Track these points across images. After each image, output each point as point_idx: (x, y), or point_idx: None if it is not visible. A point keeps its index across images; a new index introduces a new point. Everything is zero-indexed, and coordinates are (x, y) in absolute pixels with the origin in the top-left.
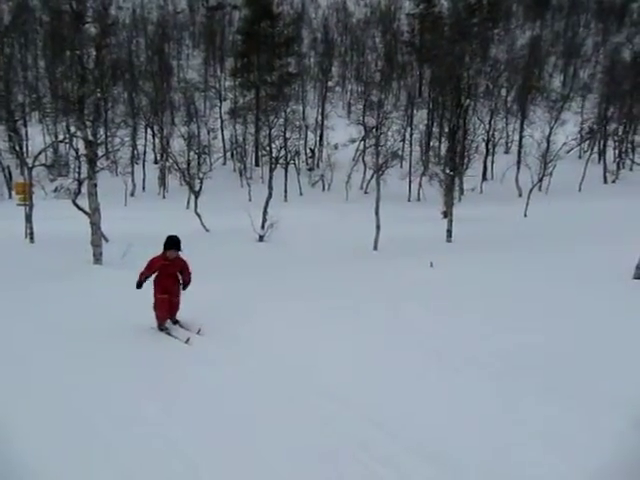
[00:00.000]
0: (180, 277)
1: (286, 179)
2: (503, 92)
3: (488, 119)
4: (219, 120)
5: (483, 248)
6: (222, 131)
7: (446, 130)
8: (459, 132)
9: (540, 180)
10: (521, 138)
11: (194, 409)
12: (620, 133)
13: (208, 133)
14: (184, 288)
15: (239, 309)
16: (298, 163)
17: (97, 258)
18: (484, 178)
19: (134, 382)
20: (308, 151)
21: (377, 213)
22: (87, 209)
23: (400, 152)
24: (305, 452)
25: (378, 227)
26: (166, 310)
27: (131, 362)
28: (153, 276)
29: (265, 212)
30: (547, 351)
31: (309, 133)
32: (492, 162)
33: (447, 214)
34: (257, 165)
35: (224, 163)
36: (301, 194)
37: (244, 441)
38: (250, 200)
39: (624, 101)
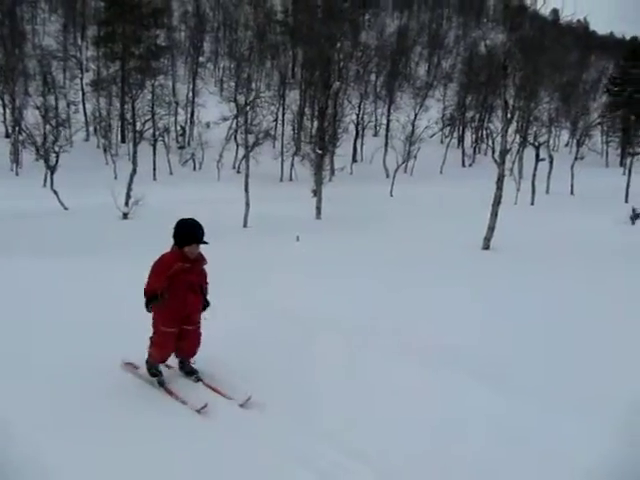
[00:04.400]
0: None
1: (155, 157)
2: (373, 77)
3: (358, 102)
4: (80, 92)
5: (350, 224)
6: (84, 104)
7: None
8: (328, 112)
9: (404, 162)
10: (388, 122)
11: None
12: (477, 121)
13: (68, 106)
14: (203, 308)
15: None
16: (168, 141)
17: None
18: (354, 160)
19: None
20: (178, 128)
21: (247, 190)
22: None
23: (272, 132)
24: None
25: (247, 204)
26: (170, 349)
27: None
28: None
29: (129, 188)
30: (401, 312)
31: (179, 110)
32: (362, 144)
33: (317, 192)
34: (123, 142)
35: (87, 139)
36: (171, 173)
37: None
38: (116, 178)
39: (480, 91)
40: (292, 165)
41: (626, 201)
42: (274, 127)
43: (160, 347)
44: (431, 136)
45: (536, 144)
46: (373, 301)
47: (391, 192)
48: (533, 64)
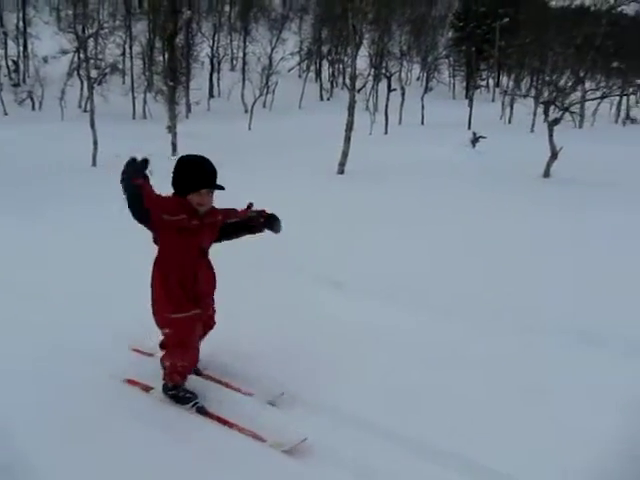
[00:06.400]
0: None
1: None
2: (227, 8)
3: (212, 34)
4: None
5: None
6: None
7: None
8: (179, 42)
9: (262, 94)
10: (245, 55)
11: None
12: (333, 54)
13: None
14: (269, 227)
15: None
16: None
17: None
18: (211, 95)
19: None
20: (10, 63)
21: (93, 127)
22: None
23: (120, 66)
24: None
25: (95, 142)
26: (196, 347)
27: None
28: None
29: None
30: None
31: (9, 42)
32: (218, 79)
33: (171, 128)
34: None
35: None
36: (6, 113)
37: None
38: None
39: (336, 24)
40: (145, 102)
41: (469, 128)
42: (122, 61)
43: (185, 346)
44: (289, 70)
45: (388, 74)
46: None
47: (249, 126)
48: None
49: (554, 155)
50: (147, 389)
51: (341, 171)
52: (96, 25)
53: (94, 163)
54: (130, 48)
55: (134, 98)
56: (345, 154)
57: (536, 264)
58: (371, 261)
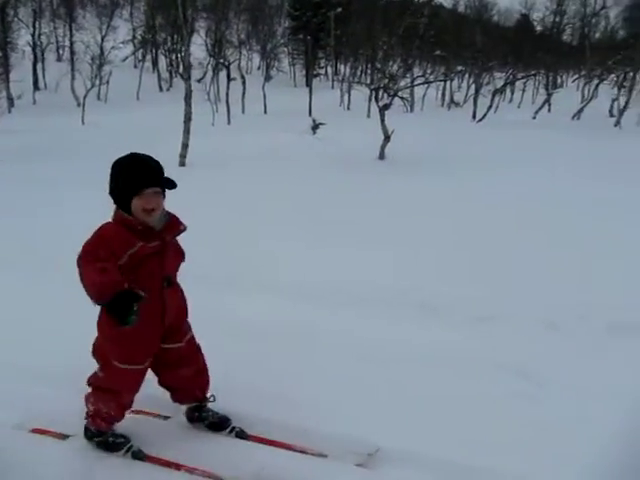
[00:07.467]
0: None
1: None
2: None
3: (32, 21)
4: None
5: (34, 155)
6: None
7: None
8: None
9: (93, 86)
10: (72, 44)
11: None
12: (170, 43)
13: None
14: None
15: None
16: None
17: None
18: (36, 88)
19: None
20: None
21: None
22: None
23: None
24: None
25: None
26: (134, 392)
27: None
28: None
29: None
30: None
31: None
32: (43, 69)
33: None
34: None
35: None
36: None
37: None
38: None
39: (170, 12)
40: None
41: (310, 115)
42: None
43: (117, 394)
44: (123, 60)
45: (227, 64)
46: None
47: (82, 120)
48: None
49: (387, 138)
50: (63, 437)
51: (182, 163)
52: None
53: None
54: None
55: None
56: (185, 145)
57: (376, 240)
58: (217, 250)
